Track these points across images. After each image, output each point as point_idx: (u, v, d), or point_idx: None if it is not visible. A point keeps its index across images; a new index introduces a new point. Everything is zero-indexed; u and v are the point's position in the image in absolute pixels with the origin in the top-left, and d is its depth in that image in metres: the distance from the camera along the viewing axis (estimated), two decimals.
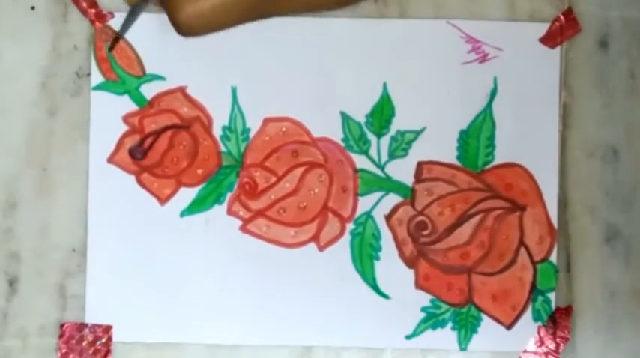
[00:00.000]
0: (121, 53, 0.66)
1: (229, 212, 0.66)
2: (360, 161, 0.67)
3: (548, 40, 0.67)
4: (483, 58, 0.67)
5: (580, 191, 0.67)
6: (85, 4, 0.67)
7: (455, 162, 0.67)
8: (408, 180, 0.67)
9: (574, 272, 0.67)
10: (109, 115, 0.66)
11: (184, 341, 0.66)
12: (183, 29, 0.49)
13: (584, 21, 0.67)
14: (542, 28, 0.67)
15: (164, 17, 0.66)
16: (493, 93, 0.67)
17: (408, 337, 0.67)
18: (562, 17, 0.67)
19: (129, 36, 0.66)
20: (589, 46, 0.68)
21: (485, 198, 0.67)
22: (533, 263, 0.67)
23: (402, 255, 0.67)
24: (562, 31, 0.67)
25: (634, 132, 0.67)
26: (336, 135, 0.67)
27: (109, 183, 0.66)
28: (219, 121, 0.67)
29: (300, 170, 0.67)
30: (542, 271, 0.67)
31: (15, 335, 0.66)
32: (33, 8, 0.67)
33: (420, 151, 0.67)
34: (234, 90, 0.66)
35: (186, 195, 0.67)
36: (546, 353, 0.67)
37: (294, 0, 0.50)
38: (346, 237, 0.67)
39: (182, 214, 0.66)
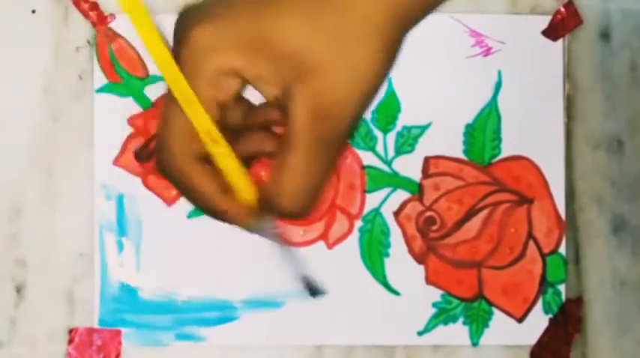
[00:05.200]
0: (123, 54, 0.66)
1: None
2: (367, 158, 0.67)
3: (551, 32, 0.67)
4: (487, 52, 0.67)
5: (587, 182, 0.67)
6: (86, 6, 0.66)
7: (462, 156, 0.67)
8: (416, 175, 0.67)
9: (583, 263, 0.67)
10: (113, 118, 0.66)
11: (194, 344, 0.66)
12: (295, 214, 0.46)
13: (585, 13, 0.68)
14: (544, 21, 0.67)
15: (164, 17, 0.65)
16: (498, 86, 0.67)
17: (420, 333, 0.66)
18: (563, 9, 0.67)
19: (130, 37, 0.66)
20: (591, 38, 0.68)
21: (493, 192, 0.67)
22: (543, 255, 0.67)
23: (411, 250, 0.67)
24: (564, 23, 0.67)
25: (638, 123, 0.68)
26: None
27: (115, 186, 0.66)
28: None
29: None
30: (552, 263, 0.67)
31: (23, 342, 0.65)
32: (34, 11, 0.66)
33: (426, 146, 0.67)
34: None
35: None
36: (558, 345, 0.67)
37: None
38: (355, 235, 0.66)
39: (189, 216, 0.66)
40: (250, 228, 0.44)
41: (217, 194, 0.43)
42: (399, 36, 0.42)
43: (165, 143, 0.43)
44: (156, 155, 0.44)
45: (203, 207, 0.44)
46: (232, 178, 0.42)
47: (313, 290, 0.49)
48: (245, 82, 0.42)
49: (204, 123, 0.41)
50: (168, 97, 0.43)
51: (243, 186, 0.43)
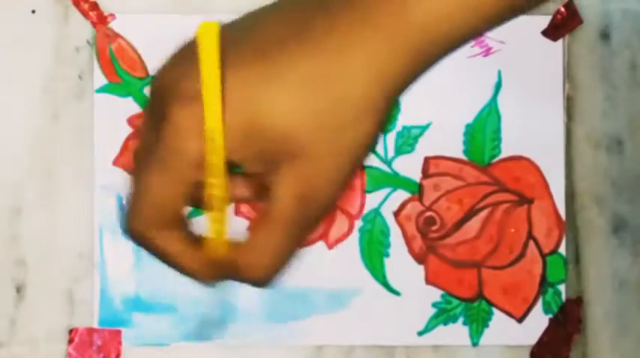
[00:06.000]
0: (123, 54, 0.66)
1: (237, 213, 0.66)
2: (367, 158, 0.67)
3: (551, 32, 0.67)
4: (487, 52, 0.67)
5: (587, 182, 0.67)
6: (86, 6, 0.66)
7: (461, 156, 0.67)
8: (416, 175, 0.67)
9: (583, 263, 0.67)
10: (113, 118, 0.66)
11: (194, 344, 0.66)
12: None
13: (585, 13, 0.68)
14: (544, 21, 0.67)
15: (164, 17, 0.66)
16: (498, 86, 0.67)
17: (420, 333, 0.66)
18: (563, 9, 0.67)
19: (131, 37, 0.66)
20: (591, 38, 0.68)
21: (493, 192, 0.67)
22: (543, 255, 0.67)
23: (411, 250, 0.67)
24: (564, 23, 0.67)
25: (638, 123, 0.68)
26: None
27: (115, 186, 0.66)
28: None
29: None
30: (552, 263, 0.67)
31: (23, 342, 0.65)
32: (33, 12, 0.66)
33: (426, 147, 0.67)
34: None
35: None
36: (558, 345, 0.67)
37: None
38: (355, 235, 0.66)
39: (189, 216, 0.66)
40: (207, 285, 0.45)
41: (184, 254, 0.43)
42: (391, 107, 0.42)
43: (132, 211, 0.42)
44: (123, 218, 0.43)
45: (171, 267, 0.44)
46: (216, 226, 0.42)
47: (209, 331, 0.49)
48: (229, 160, 0.41)
49: (218, 161, 0.41)
50: (139, 158, 0.42)
51: (220, 237, 0.42)
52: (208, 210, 0.42)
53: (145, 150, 0.42)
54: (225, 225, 0.43)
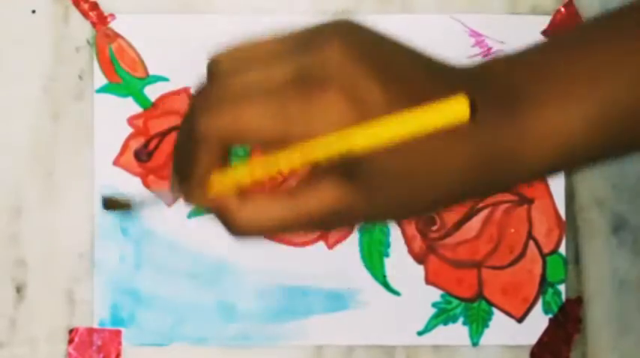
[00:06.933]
0: (123, 54, 0.66)
1: None
2: None
3: (551, 32, 0.67)
4: (487, 52, 0.67)
5: (587, 182, 0.67)
6: (86, 6, 0.66)
7: None
8: None
9: (583, 263, 0.67)
10: (113, 118, 0.66)
11: (194, 343, 0.66)
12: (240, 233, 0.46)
13: (585, 13, 0.68)
14: (544, 21, 0.67)
15: (164, 17, 0.66)
16: None
17: (420, 333, 0.66)
18: (563, 9, 0.67)
19: (131, 37, 0.66)
20: None
21: None
22: (543, 255, 0.67)
23: (411, 251, 0.67)
24: (564, 23, 0.67)
25: None
26: None
27: (115, 186, 0.66)
28: None
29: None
30: (552, 263, 0.67)
31: (23, 342, 0.65)
32: (34, 11, 0.66)
33: None
34: None
35: None
36: (558, 345, 0.67)
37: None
38: (355, 235, 0.66)
39: (190, 216, 0.66)
40: (187, 204, 0.44)
41: (202, 175, 0.43)
42: None
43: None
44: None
45: (181, 171, 0.43)
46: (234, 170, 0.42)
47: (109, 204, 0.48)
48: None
49: None
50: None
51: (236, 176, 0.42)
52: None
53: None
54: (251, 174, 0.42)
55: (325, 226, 0.43)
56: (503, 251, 0.67)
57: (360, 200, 0.41)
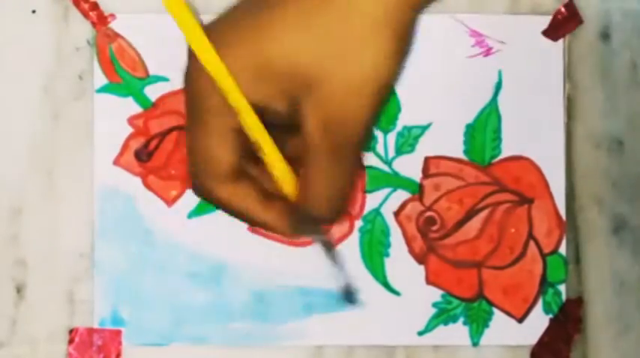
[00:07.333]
0: (123, 54, 0.66)
1: None
2: (367, 158, 0.67)
3: (551, 32, 0.67)
4: (487, 52, 0.67)
5: (587, 182, 0.67)
6: (86, 6, 0.66)
7: (462, 156, 0.67)
8: (416, 175, 0.67)
9: (583, 263, 0.67)
10: (113, 118, 0.66)
11: (194, 343, 0.66)
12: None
13: (585, 13, 0.68)
14: (545, 21, 0.67)
15: (164, 17, 0.65)
16: (498, 86, 0.67)
17: (420, 333, 0.66)
18: (563, 9, 0.67)
19: (131, 37, 0.66)
20: (591, 38, 0.68)
21: (493, 192, 0.67)
22: (543, 255, 0.67)
23: (411, 251, 0.67)
24: (564, 23, 0.67)
25: (638, 123, 0.68)
26: None
27: (115, 186, 0.66)
28: None
29: None
30: (552, 263, 0.67)
31: (23, 342, 0.65)
32: (34, 11, 0.66)
33: (426, 147, 0.67)
34: None
35: (194, 196, 0.66)
36: (558, 345, 0.67)
37: None
38: (355, 235, 0.66)
39: (190, 216, 0.66)
40: (293, 233, 0.45)
41: (254, 206, 0.43)
42: (412, 18, 0.41)
43: (192, 170, 0.43)
44: (190, 181, 0.44)
45: (245, 221, 0.44)
46: (277, 172, 0.43)
47: (351, 298, 0.49)
48: (252, 104, 0.42)
49: (237, 100, 0.41)
50: (189, 122, 0.43)
51: (287, 180, 0.43)
52: (260, 155, 0.43)
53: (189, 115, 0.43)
54: (283, 163, 0.43)
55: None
56: (504, 251, 0.67)
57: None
